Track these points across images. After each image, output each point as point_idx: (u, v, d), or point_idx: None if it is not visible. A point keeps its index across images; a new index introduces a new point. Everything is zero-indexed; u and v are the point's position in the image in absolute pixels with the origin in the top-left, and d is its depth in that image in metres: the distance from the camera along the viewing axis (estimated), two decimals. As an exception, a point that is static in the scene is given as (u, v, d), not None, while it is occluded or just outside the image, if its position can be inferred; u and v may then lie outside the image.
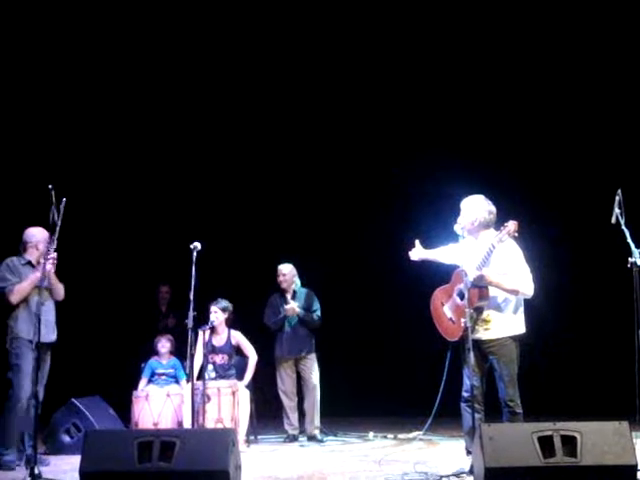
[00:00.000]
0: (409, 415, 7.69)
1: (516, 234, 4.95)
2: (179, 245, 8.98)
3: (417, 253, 5.66)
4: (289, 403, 7.47)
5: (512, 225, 4.93)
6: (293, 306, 7.43)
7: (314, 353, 7.53)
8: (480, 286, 5.02)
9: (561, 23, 8.67)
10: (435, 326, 5.41)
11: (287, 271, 7.60)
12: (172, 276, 8.71)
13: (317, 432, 7.39)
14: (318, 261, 8.92)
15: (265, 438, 7.51)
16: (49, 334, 5.88)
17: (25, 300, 5.89)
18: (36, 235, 6.09)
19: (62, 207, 5.43)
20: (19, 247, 6.12)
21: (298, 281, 7.67)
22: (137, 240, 9.41)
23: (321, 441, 7.26)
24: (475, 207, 5.26)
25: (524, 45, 8.83)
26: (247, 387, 7.20)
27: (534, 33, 8.77)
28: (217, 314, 7.22)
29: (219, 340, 7.28)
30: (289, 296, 7.56)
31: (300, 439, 7.41)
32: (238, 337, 7.36)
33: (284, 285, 7.58)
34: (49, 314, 5.96)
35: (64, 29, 8.64)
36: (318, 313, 7.56)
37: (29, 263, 6.05)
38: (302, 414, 7.54)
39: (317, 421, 7.43)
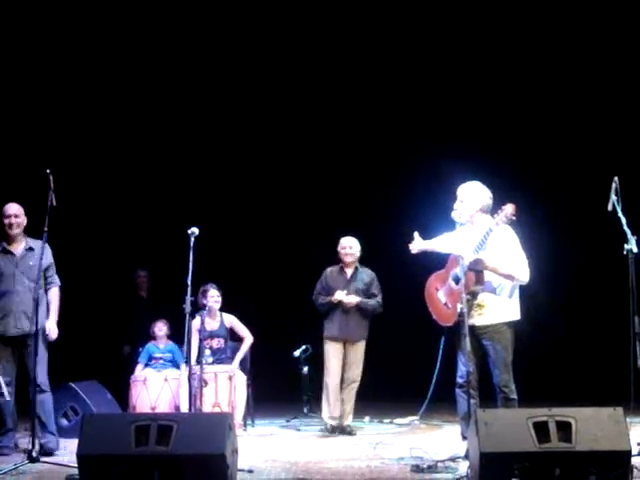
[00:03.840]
0: (405, 400, 7.71)
1: (514, 217, 4.91)
2: (157, 230, 9.04)
3: (417, 245, 5.65)
4: (334, 385, 6.80)
5: (509, 208, 4.89)
6: (344, 299, 6.79)
7: (364, 341, 6.90)
8: (476, 270, 5.03)
9: (555, 11, 8.63)
10: (429, 311, 5.43)
11: (354, 244, 6.97)
12: (149, 261, 8.72)
13: (349, 424, 6.88)
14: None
15: (262, 422, 7.53)
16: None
17: None
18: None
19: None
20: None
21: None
22: (114, 224, 9.33)
23: (351, 433, 6.77)
24: (477, 193, 5.26)
25: (519, 33, 8.79)
26: (243, 371, 7.21)
27: (529, 21, 8.74)
28: (218, 298, 7.25)
29: (214, 325, 7.29)
30: (349, 272, 6.96)
31: (293, 421, 7.33)
32: (231, 320, 7.38)
33: (349, 259, 6.91)
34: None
35: (64, 21, 8.60)
36: (379, 299, 6.91)
37: (4, 250, 5.77)
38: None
39: (351, 415, 6.94)
